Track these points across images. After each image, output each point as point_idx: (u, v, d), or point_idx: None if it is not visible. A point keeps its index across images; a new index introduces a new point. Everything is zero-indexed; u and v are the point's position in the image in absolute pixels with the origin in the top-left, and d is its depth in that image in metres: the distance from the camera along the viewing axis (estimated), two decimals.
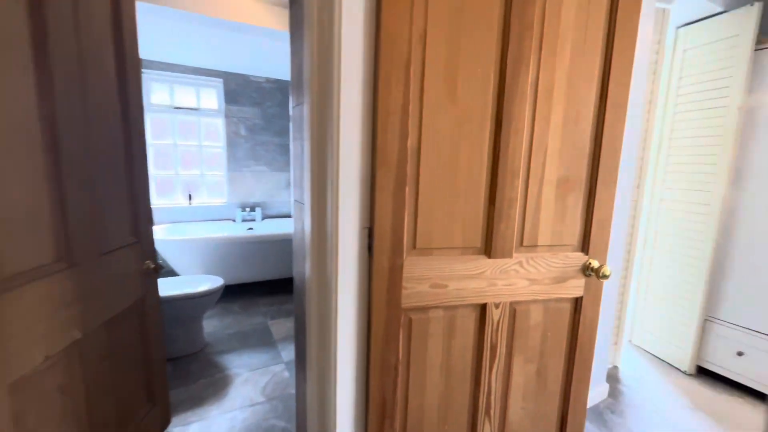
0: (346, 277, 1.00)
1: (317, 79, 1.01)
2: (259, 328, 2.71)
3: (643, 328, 2.48)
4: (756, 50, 1.93)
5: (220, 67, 3.42)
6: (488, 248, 1.06)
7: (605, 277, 1.10)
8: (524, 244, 1.10)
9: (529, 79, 1.01)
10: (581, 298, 1.18)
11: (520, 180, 1.05)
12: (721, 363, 2.12)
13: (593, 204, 1.13)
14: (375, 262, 0.97)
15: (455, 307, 1.07)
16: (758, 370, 1.98)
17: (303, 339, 1.29)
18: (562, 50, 1.02)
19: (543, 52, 1.01)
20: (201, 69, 3.43)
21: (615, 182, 1.14)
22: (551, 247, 1.13)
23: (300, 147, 1.20)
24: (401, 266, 0.99)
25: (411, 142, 0.95)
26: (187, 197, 3.55)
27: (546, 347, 1.19)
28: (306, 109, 1.07)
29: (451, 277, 1.04)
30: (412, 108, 0.94)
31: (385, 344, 1.02)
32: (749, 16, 1.91)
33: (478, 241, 1.05)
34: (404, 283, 1.00)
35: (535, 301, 1.14)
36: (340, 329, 1.02)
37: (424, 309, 1.04)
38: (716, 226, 2.06)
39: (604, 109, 1.08)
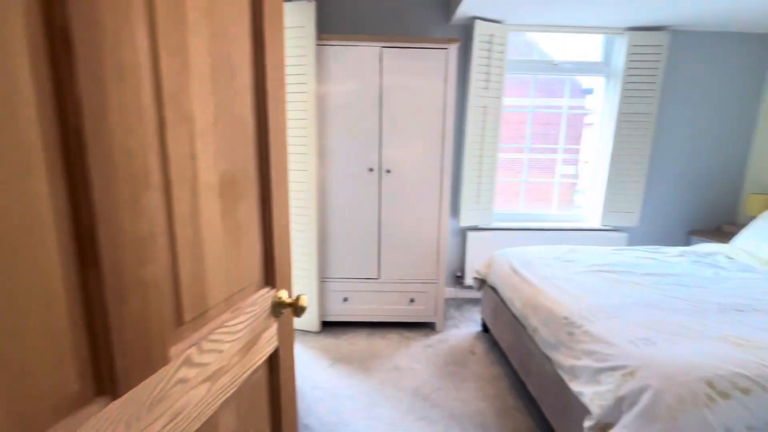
0: None
1: None
2: None
3: None
4: (318, 45, 2.20)
5: None
6: (102, 374, 0.41)
7: (303, 310, 0.78)
8: (187, 318, 0.54)
9: None
10: (277, 349, 0.80)
11: (156, 188, 0.46)
12: (336, 312, 2.54)
13: (270, 212, 0.74)
14: None
15: None
16: (356, 307, 2.55)
17: None
18: None
19: None
20: None
21: (287, 177, 0.80)
22: (229, 299, 0.64)
23: None
24: None
25: None
26: None
27: None
28: None
29: None
30: None
31: None
32: (309, 12, 2.13)
33: (70, 375, 0.38)
34: None
35: (223, 404, 0.63)
36: None
37: None
38: (315, 198, 2.32)
39: (263, 66, 0.69)
